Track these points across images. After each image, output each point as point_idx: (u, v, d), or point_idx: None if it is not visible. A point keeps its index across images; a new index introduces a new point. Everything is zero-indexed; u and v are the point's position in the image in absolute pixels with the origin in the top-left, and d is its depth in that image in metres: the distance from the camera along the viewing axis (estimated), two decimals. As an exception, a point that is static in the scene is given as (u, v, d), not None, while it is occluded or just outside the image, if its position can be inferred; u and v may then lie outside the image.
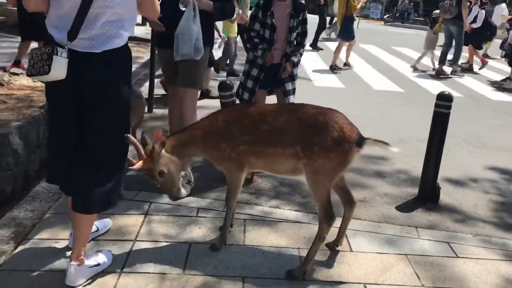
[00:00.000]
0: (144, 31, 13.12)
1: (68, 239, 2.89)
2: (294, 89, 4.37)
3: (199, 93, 4.12)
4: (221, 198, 3.58)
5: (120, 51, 2.35)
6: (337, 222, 2.99)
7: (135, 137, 2.93)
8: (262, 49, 4.10)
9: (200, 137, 2.91)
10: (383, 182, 4.36)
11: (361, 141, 2.77)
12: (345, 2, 10.21)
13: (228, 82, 3.79)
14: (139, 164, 2.68)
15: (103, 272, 2.67)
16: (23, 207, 3.46)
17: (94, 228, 2.90)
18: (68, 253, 2.73)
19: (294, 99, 4.42)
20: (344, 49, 10.61)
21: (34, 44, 6.23)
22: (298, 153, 2.74)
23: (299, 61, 4.33)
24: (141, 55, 10.41)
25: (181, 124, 3.57)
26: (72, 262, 2.53)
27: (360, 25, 15.30)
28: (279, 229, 3.29)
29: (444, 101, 3.81)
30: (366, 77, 9.88)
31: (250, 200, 3.72)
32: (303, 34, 4.30)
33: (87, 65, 2.30)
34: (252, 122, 2.84)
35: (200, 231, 3.18)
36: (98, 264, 2.65)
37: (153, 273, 2.70)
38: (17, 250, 2.87)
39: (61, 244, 2.91)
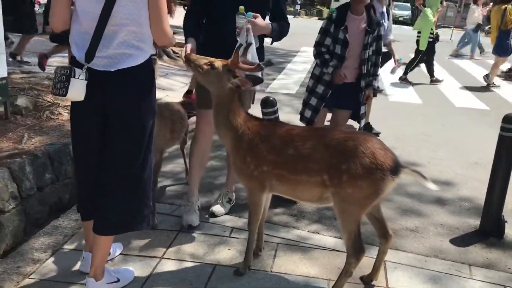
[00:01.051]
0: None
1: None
2: (365, 113, 4.18)
3: None
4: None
5: (138, 69, 2.33)
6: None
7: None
8: (334, 67, 3.89)
9: (240, 127, 2.72)
10: (442, 210, 3.98)
11: (397, 169, 2.51)
12: (500, 16, 9.59)
13: (271, 98, 3.67)
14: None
15: (122, 288, 2.66)
16: (68, 216, 3.60)
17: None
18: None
19: (366, 121, 4.22)
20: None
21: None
22: (325, 182, 2.54)
23: (378, 86, 4.13)
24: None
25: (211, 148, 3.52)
26: (89, 278, 2.54)
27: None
28: (313, 257, 3.10)
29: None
30: (447, 92, 9.24)
31: (289, 222, 3.56)
32: (378, 52, 4.05)
33: (107, 84, 2.30)
34: (281, 143, 2.67)
35: (228, 253, 3.08)
36: (118, 281, 2.65)
37: (169, 294, 2.65)
38: (50, 259, 2.96)
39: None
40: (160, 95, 7.16)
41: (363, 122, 4.10)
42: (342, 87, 3.95)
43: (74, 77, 2.21)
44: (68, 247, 3.09)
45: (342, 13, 3.89)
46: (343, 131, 2.72)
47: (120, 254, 3.00)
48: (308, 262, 3.04)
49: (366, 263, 2.85)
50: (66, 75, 2.21)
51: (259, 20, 3.01)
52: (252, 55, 2.90)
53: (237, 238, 3.27)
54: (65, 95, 2.22)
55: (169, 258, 2.99)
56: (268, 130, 2.71)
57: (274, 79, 9.27)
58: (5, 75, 4.44)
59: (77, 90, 2.23)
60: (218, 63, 2.66)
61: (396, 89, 9.21)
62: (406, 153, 5.35)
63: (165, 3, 2.30)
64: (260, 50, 3.22)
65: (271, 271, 2.91)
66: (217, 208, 3.56)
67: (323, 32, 3.95)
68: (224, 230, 3.36)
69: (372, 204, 2.60)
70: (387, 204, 3.97)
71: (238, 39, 2.88)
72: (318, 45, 3.98)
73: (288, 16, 3.48)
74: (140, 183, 2.49)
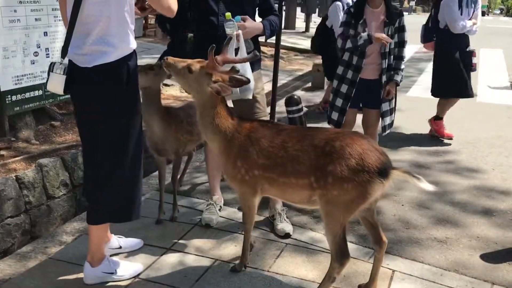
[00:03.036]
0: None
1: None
2: (391, 110, 3.95)
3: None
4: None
5: (112, 66, 2.39)
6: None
7: None
8: (367, 35, 3.68)
9: (229, 131, 2.65)
10: (486, 221, 3.61)
11: (386, 171, 2.36)
12: None
13: (295, 96, 3.61)
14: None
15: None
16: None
17: (116, 245, 3.03)
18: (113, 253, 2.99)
19: (392, 119, 3.98)
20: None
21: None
22: (312, 184, 2.46)
23: (401, 80, 3.89)
24: (302, 67, 10.60)
25: None
26: (86, 262, 2.74)
27: None
28: (317, 260, 3.02)
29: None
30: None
31: (307, 224, 3.49)
32: (401, 44, 3.84)
33: (85, 80, 2.42)
34: (271, 145, 2.59)
35: (233, 249, 3.12)
36: (113, 272, 2.77)
37: (161, 283, 2.76)
38: (73, 243, 3.23)
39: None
40: (232, 93, 7.37)
41: (387, 120, 3.87)
42: (367, 84, 3.79)
43: (52, 71, 2.39)
44: (92, 232, 3.35)
45: (360, 6, 3.74)
46: (333, 131, 2.60)
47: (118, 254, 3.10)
48: (310, 265, 2.97)
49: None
50: (48, 69, 2.40)
51: (249, 22, 2.95)
52: (242, 65, 2.81)
53: (248, 235, 3.29)
54: (46, 87, 2.43)
55: (175, 250, 3.10)
56: (258, 132, 2.63)
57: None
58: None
59: (54, 83, 2.39)
60: (196, 66, 2.57)
61: (493, 90, 8.44)
62: (471, 158, 4.92)
63: None
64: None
65: (268, 271, 2.89)
66: (287, 227, 3.31)
67: (345, 25, 3.83)
68: (238, 227, 3.39)
69: (359, 208, 2.47)
70: (422, 212, 3.71)
71: (227, 31, 2.84)
72: (342, 35, 3.85)
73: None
74: (125, 179, 2.59)
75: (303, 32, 15.85)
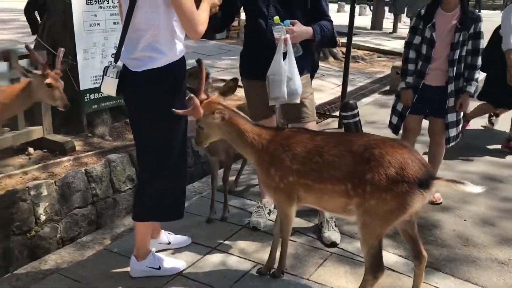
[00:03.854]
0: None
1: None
2: (458, 121, 3.66)
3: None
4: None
5: (160, 71, 2.52)
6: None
7: None
8: (405, 85, 3.63)
9: (260, 145, 2.66)
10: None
11: (427, 182, 2.24)
12: None
13: (351, 102, 3.52)
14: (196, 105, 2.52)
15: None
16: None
17: (165, 240, 3.15)
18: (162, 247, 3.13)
19: (458, 131, 3.70)
20: None
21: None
22: (349, 191, 2.39)
23: (475, 91, 3.59)
24: (383, 69, 10.28)
25: None
26: (133, 256, 2.88)
27: None
28: (359, 273, 2.90)
29: None
30: None
31: (357, 234, 3.35)
32: (475, 52, 3.51)
33: (135, 83, 2.56)
34: (305, 150, 2.55)
35: (277, 254, 3.10)
36: (158, 268, 2.88)
37: (200, 282, 2.82)
38: (127, 236, 3.40)
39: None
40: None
41: (452, 131, 3.59)
42: (431, 91, 3.56)
43: (105, 74, 2.54)
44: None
45: (432, 8, 3.50)
46: (374, 137, 2.49)
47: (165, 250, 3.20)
48: (352, 277, 2.88)
49: None
50: (102, 73, 2.56)
51: (297, 26, 2.90)
52: (290, 69, 2.85)
53: (294, 241, 3.27)
54: (100, 89, 2.60)
55: (220, 250, 3.16)
56: (290, 139, 2.61)
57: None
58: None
59: (107, 86, 2.56)
60: (200, 120, 2.64)
61: None
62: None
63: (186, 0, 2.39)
64: (305, 57, 3.10)
65: (308, 279, 2.85)
66: (334, 235, 3.26)
67: (412, 30, 3.62)
68: (286, 232, 3.38)
69: (398, 219, 2.36)
70: (486, 229, 3.45)
71: (275, 34, 2.85)
72: (406, 45, 3.67)
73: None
74: (157, 180, 2.69)
75: (390, 33, 15.35)
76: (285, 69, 2.86)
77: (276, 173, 2.61)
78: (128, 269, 2.91)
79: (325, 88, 7.89)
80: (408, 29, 3.84)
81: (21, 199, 3.60)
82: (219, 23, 3.11)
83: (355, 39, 10.71)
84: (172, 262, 2.97)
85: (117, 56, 2.58)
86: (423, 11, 3.59)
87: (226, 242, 3.27)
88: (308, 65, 3.20)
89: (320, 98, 6.81)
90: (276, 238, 2.90)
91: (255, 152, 2.68)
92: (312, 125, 3.22)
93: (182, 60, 2.62)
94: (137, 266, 2.87)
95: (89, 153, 4.48)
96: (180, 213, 2.86)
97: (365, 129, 4.55)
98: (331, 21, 3.14)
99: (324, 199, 2.55)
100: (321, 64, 9.89)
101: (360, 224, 2.42)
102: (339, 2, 20.16)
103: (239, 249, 3.18)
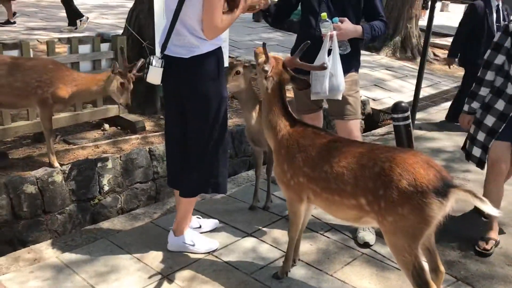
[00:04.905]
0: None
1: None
2: None
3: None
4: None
5: (204, 58, 2.70)
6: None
7: None
8: (467, 111, 3.32)
9: (284, 132, 2.66)
10: None
11: (445, 189, 2.14)
12: None
13: (403, 104, 3.44)
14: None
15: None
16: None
17: (196, 224, 3.32)
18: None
19: None
20: None
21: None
22: (363, 206, 2.34)
23: None
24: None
25: None
26: (171, 229, 3.10)
27: None
28: (385, 276, 2.90)
29: None
30: None
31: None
32: None
33: (181, 69, 2.75)
34: (317, 155, 2.52)
35: (307, 247, 3.17)
36: (193, 245, 3.08)
37: (227, 263, 2.98)
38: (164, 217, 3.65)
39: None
40: (383, 95, 7.18)
41: None
42: None
43: (151, 64, 2.74)
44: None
45: None
46: (385, 149, 2.38)
47: (214, 218, 3.46)
48: (376, 279, 2.87)
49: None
50: (147, 63, 2.77)
51: (346, 24, 2.91)
52: (333, 65, 2.87)
53: (329, 238, 3.31)
54: (145, 79, 2.80)
55: (254, 236, 3.30)
56: (308, 139, 2.58)
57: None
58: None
59: (153, 75, 2.76)
60: (260, 60, 2.67)
61: None
62: None
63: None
64: (353, 56, 3.11)
65: (331, 275, 2.90)
66: (368, 236, 3.24)
67: (495, 47, 3.21)
68: (322, 227, 3.43)
69: (424, 233, 2.24)
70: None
71: (323, 30, 2.90)
72: (485, 65, 3.25)
73: None
74: (204, 157, 2.89)
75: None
76: (329, 65, 2.90)
77: (288, 170, 2.62)
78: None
79: (405, 89, 7.63)
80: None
81: (88, 169, 4.00)
82: (272, 16, 3.23)
83: (447, 40, 10.18)
84: (207, 241, 3.16)
85: (165, 46, 2.76)
86: (511, 26, 3.14)
87: (263, 229, 3.39)
88: (355, 63, 3.20)
89: (396, 99, 6.62)
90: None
91: (275, 139, 2.70)
92: (355, 123, 3.23)
93: (220, 48, 2.80)
94: (174, 240, 3.09)
95: (156, 133, 4.80)
96: (225, 188, 3.04)
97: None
98: (384, 21, 3.11)
99: (332, 209, 2.53)
100: (407, 64, 9.63)
101: (389, 245, 2.35)
102: (443, 1, 19.11)
103: (272, 238, 3.29)
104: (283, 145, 2.65)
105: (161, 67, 2.76)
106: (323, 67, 2.73)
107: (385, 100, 7.02)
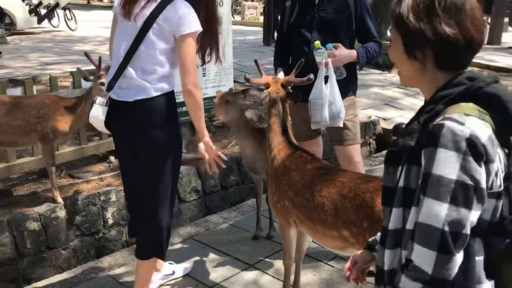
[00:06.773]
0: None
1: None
2: None
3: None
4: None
5: (152, 101, 2.44)
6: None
7: None
8: None
9: (274, 153, 2.64)
10: None
11: None
12: None
13: (403, 125, 3.34)
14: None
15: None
16: (221, 214, 4.21)
17: (169, 271, 3.11)
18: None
19: None
20: None
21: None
22: (347, 238, 2.25)
23: None
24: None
25: None
26: None
27: None
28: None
29: None
30: None
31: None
32: None
33: (127, 114, 2.49)
34: (301, 181, 2.45)
35: (310, 278, 3.10)
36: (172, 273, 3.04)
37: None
38: (176, 246, 3.60)
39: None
40: (394, 114, 7.07)
41: None
42: None
43: (95, 102, 2.53)
44: (197, 238, 3.68)
45: None
46: (365, 179, 2.31)
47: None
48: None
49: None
50: (93, 101, 2.58)
51: (340, 50, 2.85)
52: (331, 93, 2.82)
53: (333, 266, 3.22)
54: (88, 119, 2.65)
55: (256, 268, 3.22)
56: (294, 163, 2.52)
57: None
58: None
59: (96, 114, 2.52)
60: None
61: None
62: None
63: (190, 59, 2.37)
64: (349, 80, 3.05)
65: (334, 307, 2.79)
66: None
67: None
68: (326, 256, 3.33)
69: None
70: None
71: (317, 59, 2.84)
72: None
73: None
74: (161, 215, 2.60)
75: (509, 47, 14.09)
76: (326, 93, 2.85)
77: (275, 191, 2.59)
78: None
79: (418, 107, 7.34)
80: None
81: (92, 203, 3.99)
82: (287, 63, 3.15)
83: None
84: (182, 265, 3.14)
85: (110, 86, 2.51)
86: None
87: (265, 259, 3.32)
88: (352, 87, 3.15)
89: (408, 117, 6.50)
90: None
91: (269, 158, 2.69)
92: (355, 148, 3.15)
93: (172, 92, 2.55)
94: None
95: (161, 164, 4.79)
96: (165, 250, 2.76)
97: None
98: (378, 42, 3.06)
99: (317, 238, 2.47)
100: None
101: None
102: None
103: (274, 269, 3.21)
104: (273, 165, 2.63)
105: (105, 105, 2.52)
106: (309, 79, 2.72)
107: (396, 119, 6.90)
